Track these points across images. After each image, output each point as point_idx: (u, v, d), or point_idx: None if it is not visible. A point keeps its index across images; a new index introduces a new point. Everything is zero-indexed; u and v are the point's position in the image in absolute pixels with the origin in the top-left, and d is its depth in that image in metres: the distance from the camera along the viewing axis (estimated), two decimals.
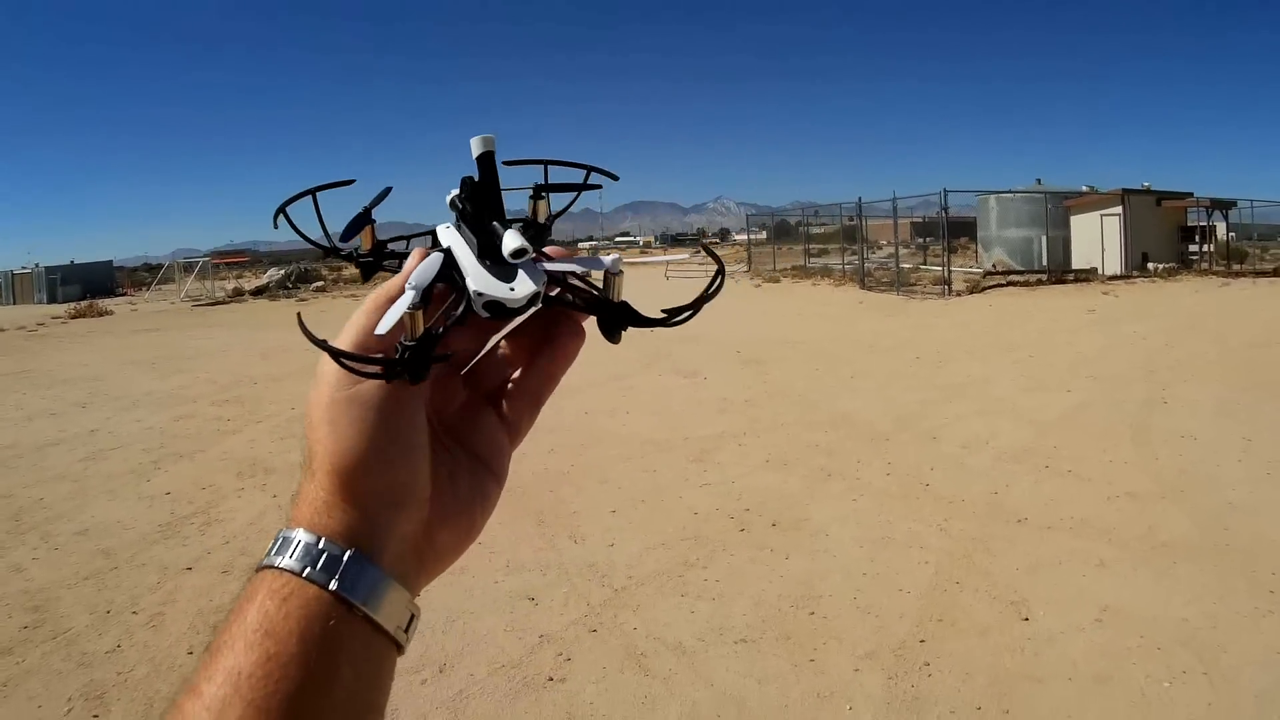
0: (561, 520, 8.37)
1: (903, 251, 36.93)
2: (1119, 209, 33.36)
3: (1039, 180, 40.12)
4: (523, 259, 0.73)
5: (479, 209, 0.80)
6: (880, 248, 44.44)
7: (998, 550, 7.29)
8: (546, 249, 0.82)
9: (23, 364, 22.44)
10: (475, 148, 0.79)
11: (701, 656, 5.81)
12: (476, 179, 0.80)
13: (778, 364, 16.76)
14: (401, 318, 0.69)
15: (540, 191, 0.86)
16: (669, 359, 16.96)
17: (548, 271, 0.77)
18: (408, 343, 0.69)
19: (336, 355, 0.68)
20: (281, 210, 0.87)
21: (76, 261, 61.82)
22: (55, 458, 11.82)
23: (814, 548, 7.56)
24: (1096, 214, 33.85)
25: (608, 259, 0.79)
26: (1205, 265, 33.74)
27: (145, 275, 70.30)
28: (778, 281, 38.77)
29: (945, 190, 32.00)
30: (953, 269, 31.59)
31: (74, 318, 37.47)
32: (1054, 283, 30.87)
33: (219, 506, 9.29)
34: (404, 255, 0.87)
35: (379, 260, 0.89)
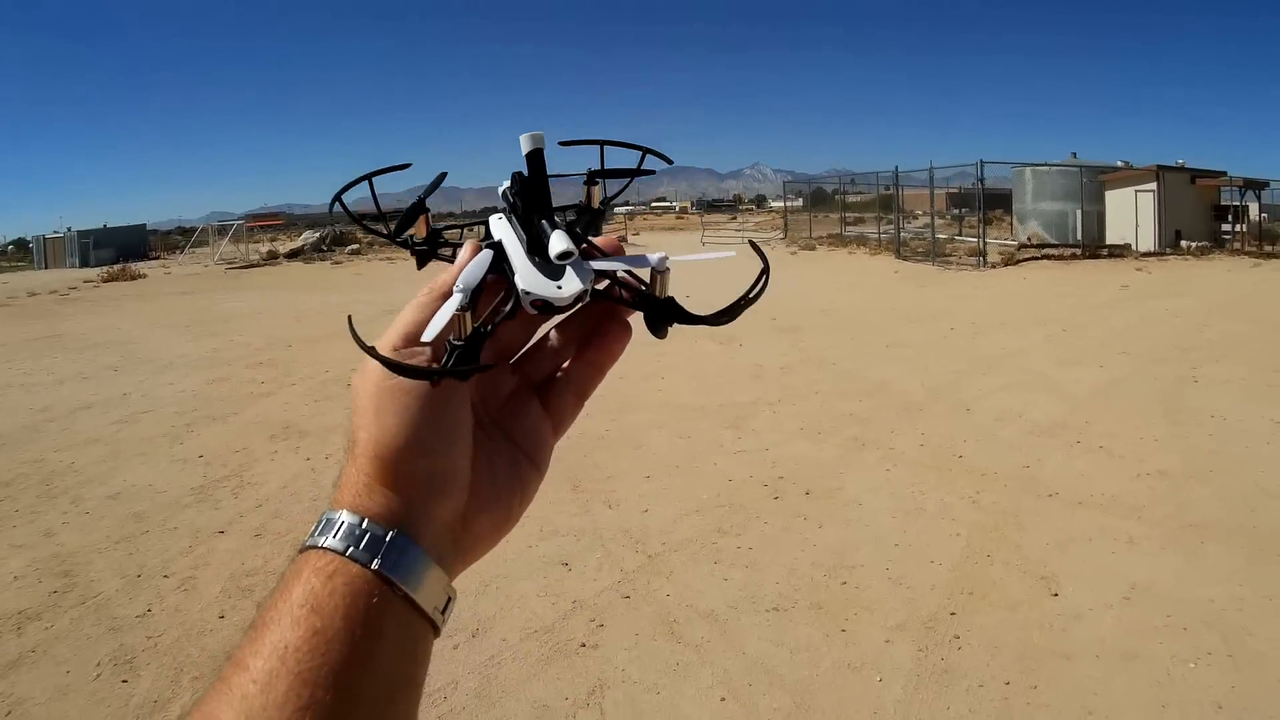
0: (596, 485, 8.37)
1: (938, 222, 36.66)
2: (1153, 185, 32.96)
3: (1074, 154, 39.66)
4: (568, 261, 0.73)
5: (528, 206, 0.79)
6: (916, 217, 44.12)
7: (1029, 524, 7.24)
8: (597, 240, 0.81)
9: (54, 328, 22.37)
10: (524, 145, 0.79)
11: (733, 625, 5.81)
12: (526, 175, 0.80)
13: (813, 332, 16.70)
14: (451, 318, 0.70)
15: (594, 177, 0.86)
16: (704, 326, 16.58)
17: (595, 270, 0.77)
18: (456, 342, 0.70)
19: (386, 363, 0.68)
20: (337, 198, 0.88)
21: (109, 225, 60.89)
22: (87, 421, 11.83)
23: (847, 517, 7.54)
24: (1131, 189, 33.45)
25: (654, 257, 0.78)
26: (1238, 245, 33.34)
27: (179, 238, 69.57)
28: (814, 249, 38.61)
29: (981, 161, 31.76)
30: (988, 240, 31.35)
31: (106, 281, 37.13)
32: (1088, 257, 30.59)
33: (252, 470, 9.31)
34: (457, 245, 0.87)
35: (433, 249, 0.89)
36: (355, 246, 49.21)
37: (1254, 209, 36.45)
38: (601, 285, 0.79)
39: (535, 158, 0.79)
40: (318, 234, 53.28)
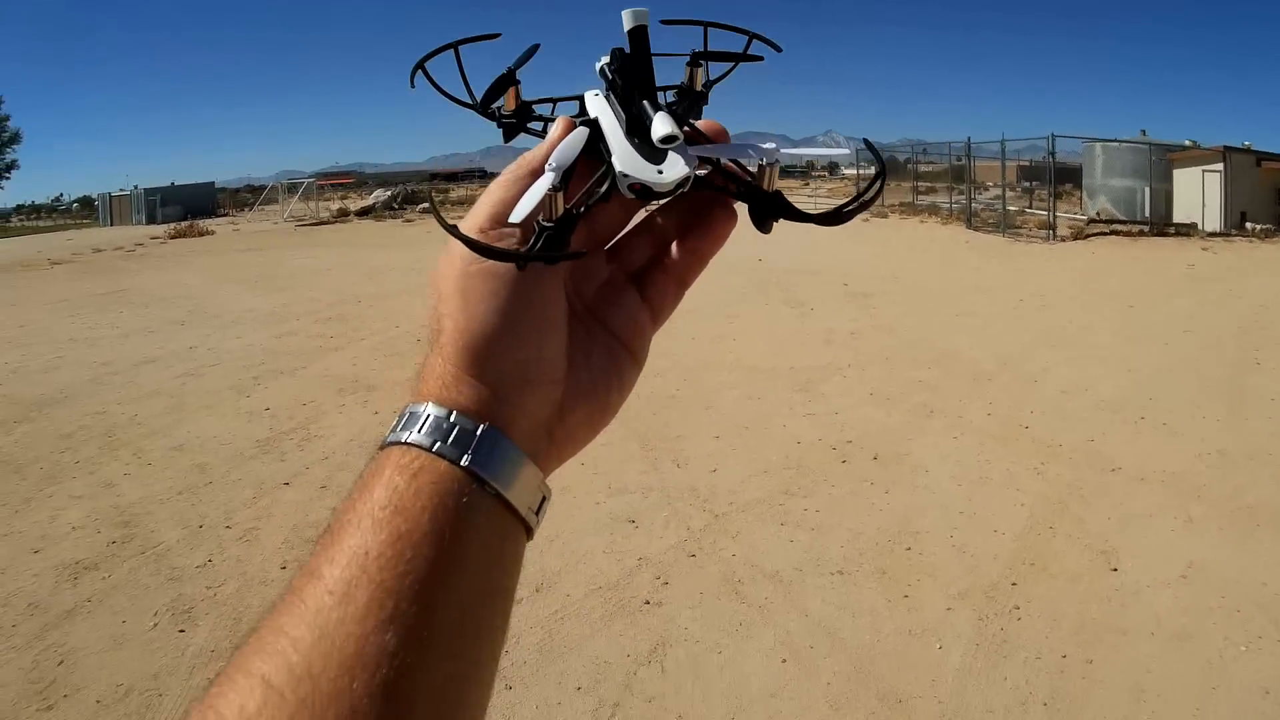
0: (665, 444, 8.36)
1: (1009, 194, 36.16)
2: (1220, 166, 32.28)
3: (1143, 131, 39.04)
4: (672, 145, 0.68)
5: (629, 82, 0.75)
6: (987, 189, 43.56)
7: (1091, 498, 7.16)
8: (701, 125, 0.77)
9: (118, 283, 22.37)
10: (627, 21, 0.74)
11: (797, 586, 5.82)
12: (627, 51, 0.76)
13: (883, 299, 16.48)
14: (541, 199, 0.66)
15: (698, 59, 0.81)
16: (776, 288, 16.80)
17: (699, 156, 0.72)
18: (546, 224, 0.66)
19: (470, 244, 0.65)
20: (420, 66, 0.82)
21: (177, 183, 60.55)
22: (151, 374, 11.85)
23: (913, 483, 7.51)
24: (1198, 169, 32.73)
25: (766, 146, 0.72)
26: None
27: (248, 196, 69.45)
28: (885, 217, 38.18)
29: (1053, 135, 31.23)
30: (1057, 214, 30.90)
31: (173, 238, 36.91)
32: (1155, 235, 30.01)
33: (319, 422, 9.33)
34: (549, 119, 0.83)
35: (522, 122, 0.84)
36: (426, 205, 48.35)
37: None
38: (703, 173, 0.73)
39: (638, 35, 0.75)
40: (389, 192, 53.22)
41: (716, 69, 0.83)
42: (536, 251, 0.65)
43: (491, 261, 0.66)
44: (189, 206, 54.20)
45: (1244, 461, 7.95)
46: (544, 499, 0.69)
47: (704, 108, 0.82)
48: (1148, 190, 33.19)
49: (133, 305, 18.24)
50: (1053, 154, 32.01)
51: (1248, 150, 34.83)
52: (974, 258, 23.88)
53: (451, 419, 0.65)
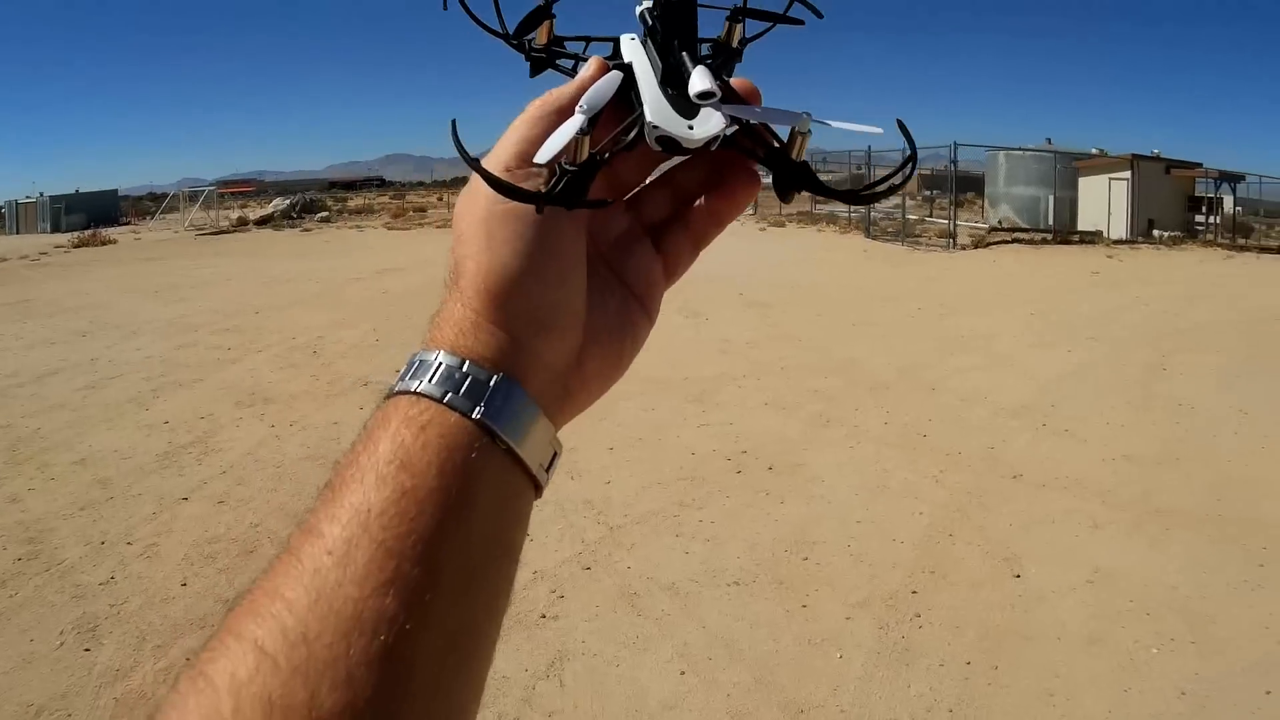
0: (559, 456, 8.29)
1: (909, 203, 36.77)
2: (1128, 174, 33.15)
3: (1049, 140, 39.88)
4: (709, 101, 0.66)
5: (670, 31, 0.73)
6: (886, 197, 44.29)
7: (992, 505, 7.28)
8: (735, 83, 0.73)
9: (24, 293, 22.16)
10: None
11: (694, 598, 5.84)
12: None
13: (781, 308, 16.68)
14: (568, 141, 0.63)
15: (738, 14, 0.78)
16: (670, 297, 16.54)
17: (732, 116, 0.68)
18: (569, 167, 0.63)
19: (491, 180, 0.62)
20: None
21: (81, 190, 60.33)
22: (55, 386, 11.79)
23: (810, 493, 7.57)
24: (1105, 177, 33.61)
25: (800, 113, 0.69)
26: (1211, 236, 33.58)
27: (150, 204, 69.42)
28: (783, 226, 38.57)
29: (955, 144, 31.92)
30: (958, 223, 31.49)
31: (77, 247, 36.94)
32: (1059, 243, 30.74)
33: (216, 436, 9.33)
34: (579, 58, 0.82)
35: (552, 58, 0.83)
36: (325, 214, 49.67)
37: (1229, 201, 36.75)
38: (732, 132, 0.69)
39: None
40: (288, 200, 53.85)
41: (753, 28, 0.82)
42: (559, 195, 0.63)
43: (516, 202, 0.64)
44: (93, 214, 54.05)
45: (1151, 466, 8.14)
46: (555, 455, 0.69)
47: (737, 65, 0.80)
48: (1052, 198, 33.99)
49: (38, 316, 18.12)
50: (955, 162, 32.72)
51: (1157, 158, 35.83)
52: (873, 266, 24.26)
53: (465, 368, 0.64)
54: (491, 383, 0.63)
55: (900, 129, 0.81)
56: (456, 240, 0.69)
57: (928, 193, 48.38)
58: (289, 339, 14.37)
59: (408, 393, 0.63)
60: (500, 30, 0.82)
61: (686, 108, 0.67)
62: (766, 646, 5.25)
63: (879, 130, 0.79)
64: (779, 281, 19.72)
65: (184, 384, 11.64)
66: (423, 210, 52.33)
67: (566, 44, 0.83)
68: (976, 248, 29.02)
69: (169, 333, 15.48)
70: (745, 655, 5.16)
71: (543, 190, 0.64)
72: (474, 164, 0.64)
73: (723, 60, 0.78)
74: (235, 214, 52.74)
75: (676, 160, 0.77)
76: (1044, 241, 30.88)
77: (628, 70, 0.72)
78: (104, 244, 38.03)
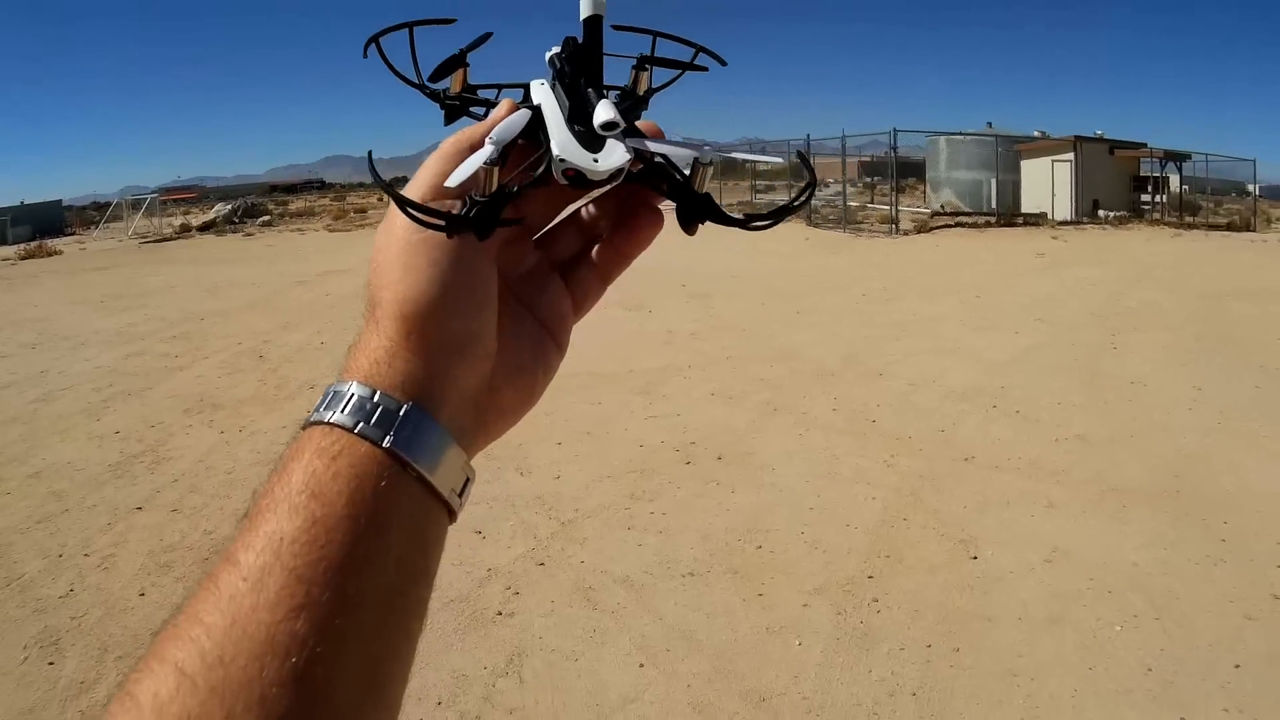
0: (508, 452, 8.33)
1: (851, 190, 37.02)
2: (1071, 156, 33.57)
3: (990, 124, 40.31)
4: (613, 132, 0.70)
5: (577, 72, 0.78)
6: (827, 185, 44.56)
7: (945, 488, 7.34)
8: (640, 125, 0.77)
9: None
10: (584, 8, 0.77)
11: (650, 590, 5.86)
12: (580, 40, 0.78)
13: (724, 298, 16.78)
14: (477, 171, 0.67)
15: (644, 63, 0.83)
16: (612, 291, 16.58)
17: (635, 149, 0.72)
18: (479, 198, 0.67)
19: (402, 203, 0.66)
20: (374, 40, 0.83)
21: (26, 202, 60.57)
22: (6, 400, 11.71)
23: (760, 482, 7.60)
24: (1048, 159, 34.04)
25: (703, 147, 0.74)
26: (1157, 216, 34.04)
27: (94, 214, 69.76)
28: None
29: (895, 130, 32.17)
30: (901, 209, 31.74)
31: (23, 259, 37.03)
32: (1003, 225, 31.07)
33: (167, 444, 9.29)
34: (492, 104, 0.84)
35: (465, 105, 0.86)
36: (266, 218, 49.92)
37: (1174, 181, 37.24)
38: (638, 169, 0.75)
39: (593, 24, 0.77)
40: (230, 206, 54.10)
41: (660, 77, 0.87)
42: (469, 220, 0.67)
43: (432, 232, 0.67)
44: (38, 226, 54.04)
45: (1105, 445, 8.24)
46: (467, 481, 0.71)
47: (643, 113, 0.83)
48: (994, 182, 34.30)
49: None
50: (895, 148, 33.05)
51: (1100, 139, 36.26)
52: (816, 254, 24.44)
53: (376, 399, 0.66)
54: (402, 412, 0.65)
55: (800, 160, 0.94)
56: (373, 273, 0.71)
57: (869, 179, 48.68)
58: (235, 344, 14.34)
59: (321, 423, 0.65)
60: (415, 79, 0.86)
61: (592, 143, 0.71)
62: (724, 636, 5.27)
63: (780, 160, 0.82)
64: (721, 272, 19.75)
65: (133, 393, 11.61)
66: (364, 211, 52.36)
67: (480, 92, 0.87)
68: (920, 233, 29.31)
69: (117, 342, 15.39)
70: (704, 646, 5.18)
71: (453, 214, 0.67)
72: (387, 189, 0.68)
73: (630, 106, 0.81)
74: (178, 221, 52.85)
75: (585, 200, 0.82)
76: (988, 225, 31.24)
77: (536, 110, 0.76)
78: (50, 255, 38.17)
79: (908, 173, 43.86)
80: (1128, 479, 7.44)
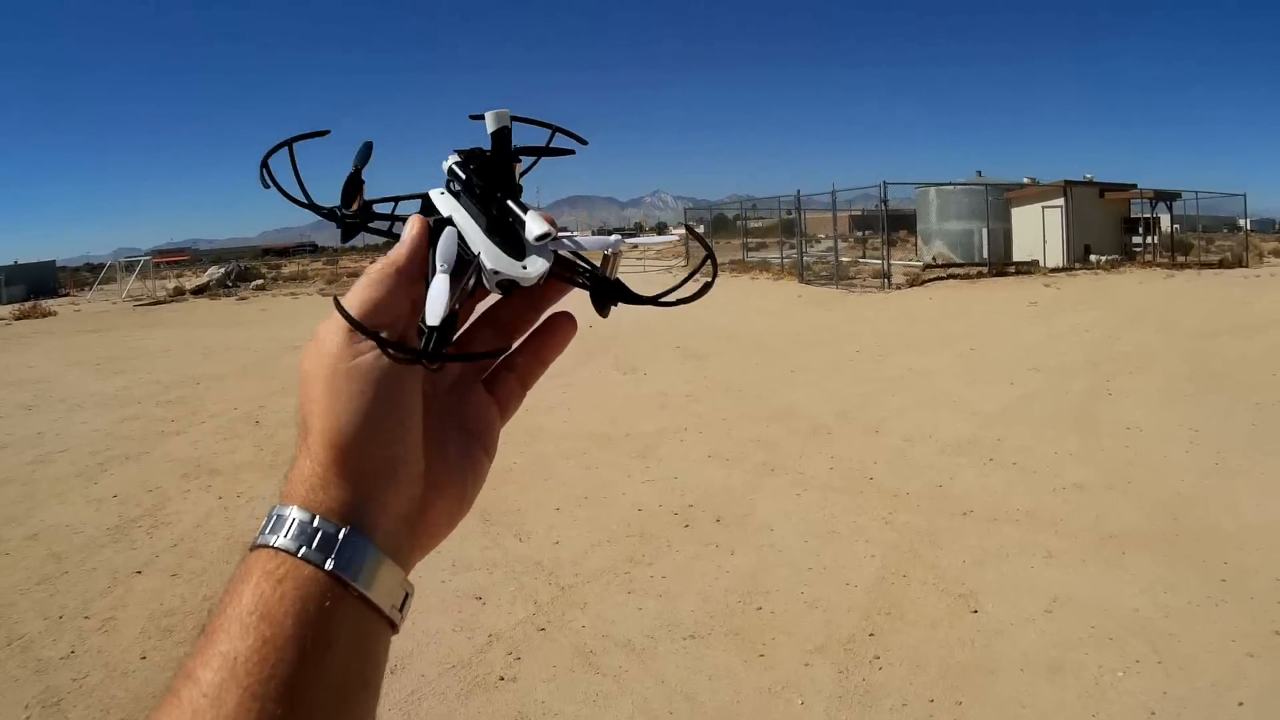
0: (506, 518, 8.37)
1: (842, 245, 37.09)
2: (1061, 200, 33.60)
3: (979, 172, 40.37)
4: (546, 241, 0.76)
5: (490, 184, 0.81)
6: (819, 241, 44.68)
7: (944, 543, 7.36)
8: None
9: None
10: (490, 123, 0.82)
11: (651, 653, 5.86)
12: (489, 152, 0.82)
13: (718, 358, 16.82)
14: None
15: (514, 155, 0.85)
16: (608, 354, 16.94)
17: (554, 252, 0.79)
18: (430, 325, 0.70)
19: (384, 345, 0.70)
20: (264, 164, 0.86)
21: (20, 262, 61.05)
22: (3, 461, 11.74)
23: (759, 543, 7.61)
24: (1038, 206, 34.06)
25: (611, 239, 0.81)
26: (1149, 257, 34.11)
27: (87, 275, 69.96)
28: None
29: (885, 183, 32.17)
30: (892, 262, 31.77)
31: (18, 319, 37.21)
32: (995, 275, 31.08)
33: (165, 509, 9.30)
34: (390, 217, 0.88)
35: (364, 221, 0.88)
36: (259, 282, 50.29)
37: (1165, 220, 37.31)
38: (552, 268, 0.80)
39: (501, 136, 0.82)
40: (223, 269, 54.35)
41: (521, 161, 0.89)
42: (438, 352, 0.71)
43: (359, 360, 0.72)
44: (32, 286, 54.54)
45: (1102, 491, 8.29)
46: (406, 595, 0.75)
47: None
48: (985, 231, 34.31)
49: None
50: (885, 201, 32.98)
51: (1090, 182, 36.26)
52: (808, 311, 24.49)
53: (315, 523, 0.70)
54: (341, 535, 0.69)
55: (692, 234, 1.05)
56: (303, 398, 0.75)
57: (860, 233, 48.83)
58: (231, 409, 14.38)
59: (267, 546, 0.69)
60: (307, 200, 0.88)
61: (515, 251, 0.78)
62: (727, 697, 5.28)
63: (677, 238, 0.89)
64: (715, 331, 19.84)
65: (130, 457, 11.62)
66: (356, 276, 52.42)
67: (375, 205, 0.89)
68: (912, 286, 29.30)
69: (113, 405, 15.47)
70: (706, 707, 5.19)
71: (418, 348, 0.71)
72: (370, 334, 0.71)
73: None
74: (172, 284, 53.01)
75: (491, 298, 0.85)
76: (980, 275, 31.21)
77: (448, 223, 0.80)
78: (45, 315, 38.32)
79: (899, 225, 44.01)
80: (1126, 525, 7.49)
